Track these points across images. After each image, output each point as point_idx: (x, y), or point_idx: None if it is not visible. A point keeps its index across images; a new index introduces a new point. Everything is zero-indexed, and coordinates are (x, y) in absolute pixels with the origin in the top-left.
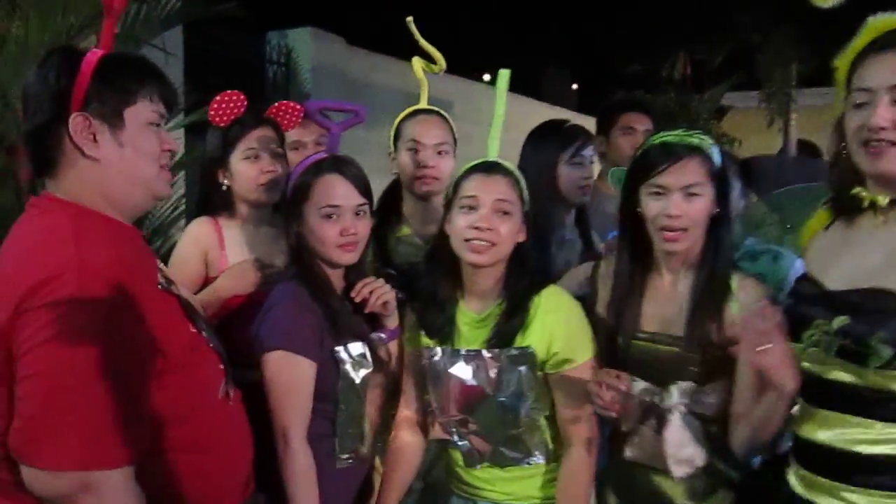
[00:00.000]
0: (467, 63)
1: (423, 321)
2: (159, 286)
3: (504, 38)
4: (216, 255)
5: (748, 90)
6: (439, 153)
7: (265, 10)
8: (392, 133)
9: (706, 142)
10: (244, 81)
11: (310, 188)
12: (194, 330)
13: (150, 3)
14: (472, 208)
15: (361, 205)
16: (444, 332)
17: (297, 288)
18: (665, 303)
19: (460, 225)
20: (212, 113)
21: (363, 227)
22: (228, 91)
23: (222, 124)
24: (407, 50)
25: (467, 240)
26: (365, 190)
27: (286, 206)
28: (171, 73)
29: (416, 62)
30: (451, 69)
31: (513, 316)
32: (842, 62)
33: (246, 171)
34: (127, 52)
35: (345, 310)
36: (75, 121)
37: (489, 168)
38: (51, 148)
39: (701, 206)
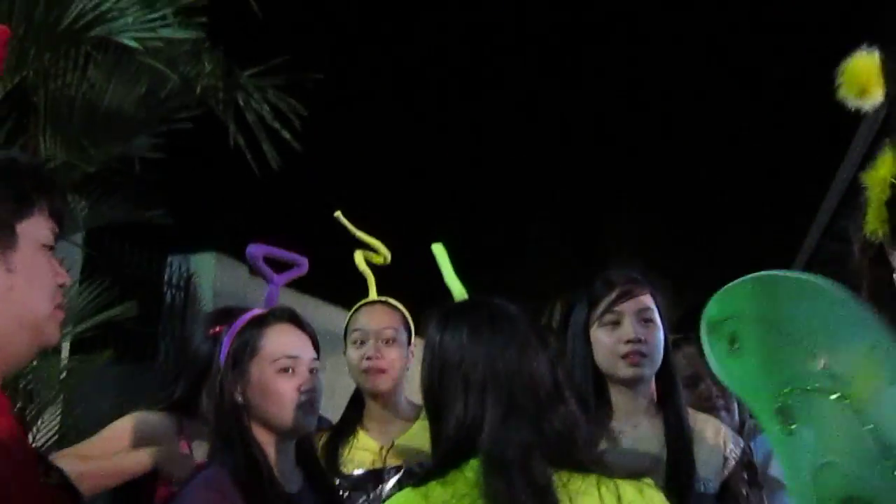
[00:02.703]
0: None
1: None
2: None
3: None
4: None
5: None
6: (385, 341)
7: (169, 231)
8: (343, 332)
9: None
10: (142, 301)
11: (259, 339)
12: None
13: None
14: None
15: (316, 359)
16: None
17: (216, 474)
18: None
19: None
20: None
21: (319, 384)
22: None
23: None
24: (307, 286)
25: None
26: (316, 344)
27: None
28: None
29: (359, 255)
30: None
31: None
32: None
33: None
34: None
35: (283, 496)
36: None
37: None
38: None
39: None
